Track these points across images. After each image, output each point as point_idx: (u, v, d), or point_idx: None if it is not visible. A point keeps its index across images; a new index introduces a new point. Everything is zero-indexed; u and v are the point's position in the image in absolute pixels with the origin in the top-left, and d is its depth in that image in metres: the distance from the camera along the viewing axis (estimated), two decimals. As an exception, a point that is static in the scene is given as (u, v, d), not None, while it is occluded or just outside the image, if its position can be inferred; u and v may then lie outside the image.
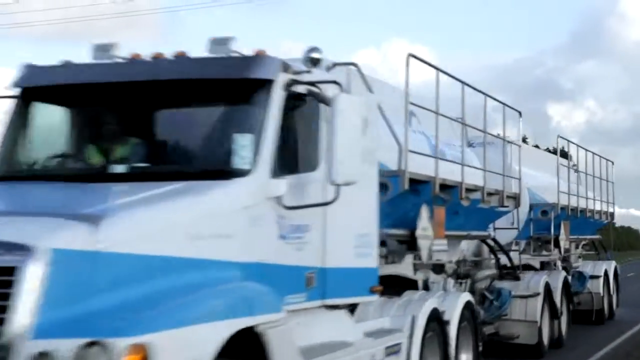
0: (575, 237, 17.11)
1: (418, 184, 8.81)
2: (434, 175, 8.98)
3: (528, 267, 14.68)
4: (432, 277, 10.23)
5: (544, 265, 15.44)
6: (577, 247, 18.24)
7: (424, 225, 8.86)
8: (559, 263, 15.85)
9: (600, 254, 20.18)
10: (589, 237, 18.78)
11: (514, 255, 13.45)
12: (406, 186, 8.15)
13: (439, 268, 10.17)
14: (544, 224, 14.66)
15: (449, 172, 9.72)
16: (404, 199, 8.52)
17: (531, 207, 14.62)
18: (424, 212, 8.87)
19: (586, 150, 17.57)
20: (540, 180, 15.47)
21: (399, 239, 8.79)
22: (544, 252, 14.78)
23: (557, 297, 13.85)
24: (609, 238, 21.62)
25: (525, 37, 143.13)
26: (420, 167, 8.85)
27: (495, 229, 12.84)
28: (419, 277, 9.94)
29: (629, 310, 19.62)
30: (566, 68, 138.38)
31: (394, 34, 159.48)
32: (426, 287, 10.06)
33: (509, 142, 12.41)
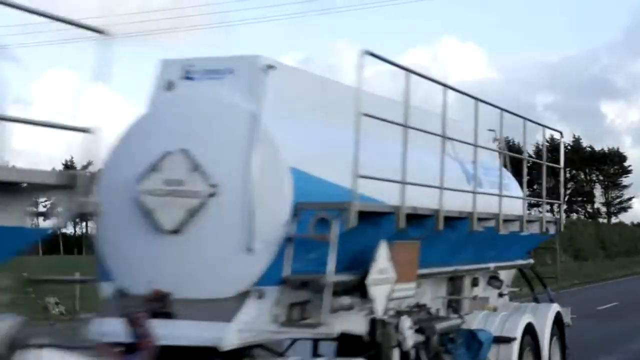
0: (451, 269, 9.08)
1: None
2: None
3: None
4: None
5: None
6: (474, 285, 10.11)
7: None
8: (406, 326, 7.78)
9: (539, 291, 11.91)
10: (506, 264, 10.62)
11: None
12: None
13: None
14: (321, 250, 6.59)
15: None
16: None
17: (297, 210, 6.60)
18: None
19: (478, 100, 9.35)
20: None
21: None
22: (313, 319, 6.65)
23: None
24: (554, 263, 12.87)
25: (577, 34, 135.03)
26: None
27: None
28: None
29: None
30: (620, 65, 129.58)
31: (444, 33, 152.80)
32: None
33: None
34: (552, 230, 11.48)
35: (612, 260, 61.24)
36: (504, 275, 11.24)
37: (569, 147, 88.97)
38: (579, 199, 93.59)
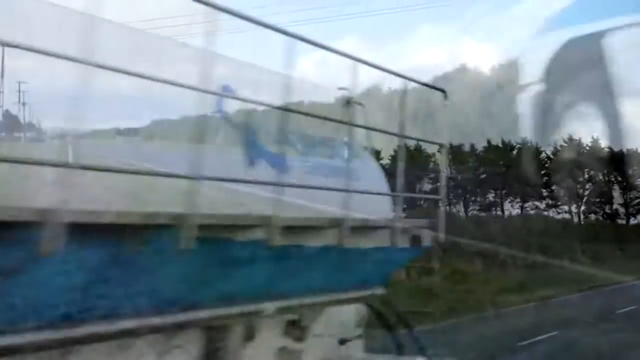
0: (164, 320, 4.99)
1: None
2: None
3: None
4: None
5: None
6: (249, 338, 5.97)
7: None
8: None
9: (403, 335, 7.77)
10: (312, 300, 6.47)
11: None
12: None
13: None
14: None
15: None
16: None
17: None
18: None
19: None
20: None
21: None
22: None
23: None
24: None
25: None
26: None
27: None
28: None
29: None
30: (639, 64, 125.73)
31: (460, 33, 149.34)
32: None
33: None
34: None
35: (630, 262, 58.05)
36: (347, 313, 7.16)
37: (587, 148, 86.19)
38: (597, 200, 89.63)
